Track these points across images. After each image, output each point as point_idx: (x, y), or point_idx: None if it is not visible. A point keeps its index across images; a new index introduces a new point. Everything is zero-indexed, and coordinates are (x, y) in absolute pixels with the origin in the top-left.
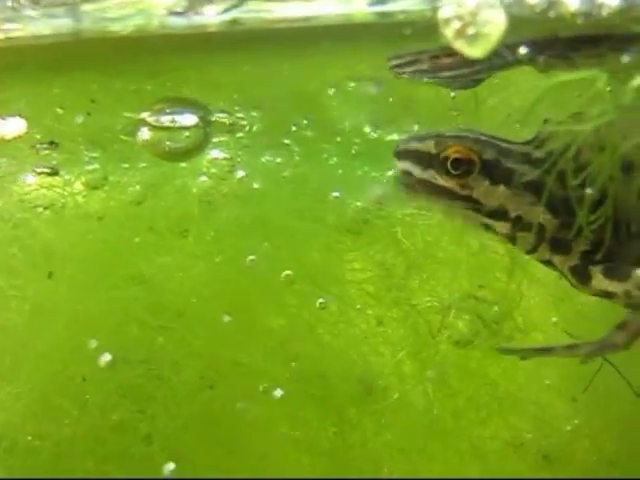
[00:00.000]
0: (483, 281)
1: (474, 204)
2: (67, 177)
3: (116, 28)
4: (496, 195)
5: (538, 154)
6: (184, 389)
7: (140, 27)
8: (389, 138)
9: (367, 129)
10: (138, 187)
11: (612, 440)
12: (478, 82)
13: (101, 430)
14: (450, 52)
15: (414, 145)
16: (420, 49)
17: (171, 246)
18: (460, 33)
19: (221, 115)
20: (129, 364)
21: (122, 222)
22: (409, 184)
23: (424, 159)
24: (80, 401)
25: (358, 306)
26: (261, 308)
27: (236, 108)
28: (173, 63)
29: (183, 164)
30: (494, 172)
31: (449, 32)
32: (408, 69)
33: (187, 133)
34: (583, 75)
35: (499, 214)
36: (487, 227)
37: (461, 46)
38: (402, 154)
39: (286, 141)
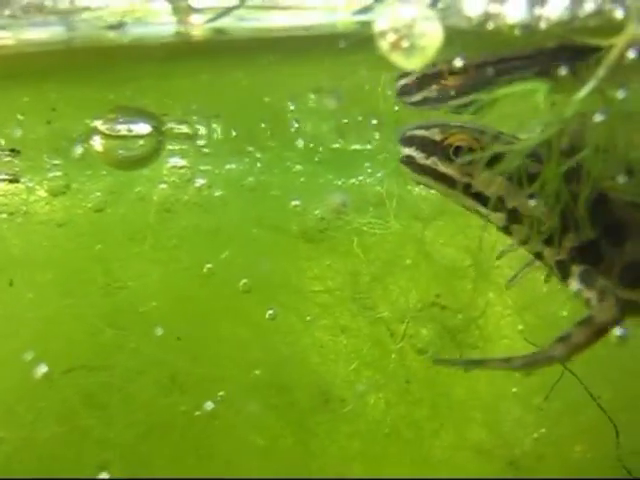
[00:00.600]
0: (446, 289)
1: (472, 192)
2: (29, 184)
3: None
4: (494, 185)
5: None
6: (141, 397)
7: (100, 37)
8: (352, 147)
9: (330, 138)
10: (99, 194)
11: (578, 447)
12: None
13: (57, 437)
14: (453, 69)
15: (420, 132)
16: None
17: (130, 254)
18: (395, 46)
19: (179, 124)
20: (88, 371)
21: (83, 229)
22: (408, 166)
23: (428, 145)
24: (37, 408)
25: (318, 315)
26: (218, 316)
27: (194, 118)
28: (134, 72)
29: (145, 171)
30: (494, 163)
31: (385, 45)
32: (416, 98)
33: (141, 142)
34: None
35: (496, 204)
36: (482, 216)
37: (397, 59)
38: (407, 140)
39: (248, 149)
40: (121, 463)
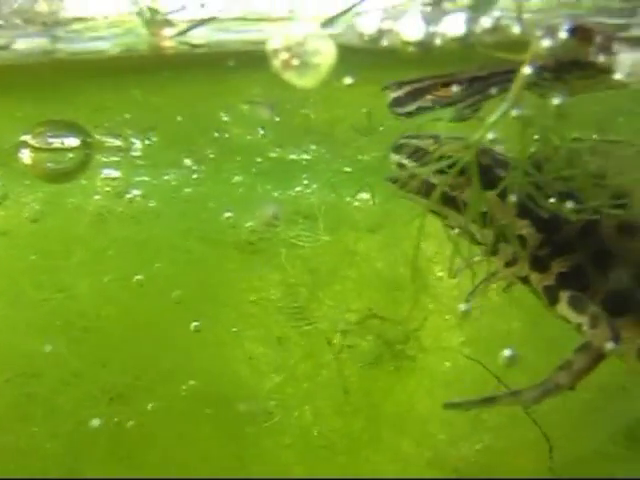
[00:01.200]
0: (385, 301)
1: (461, 207)
2: None
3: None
4: (485, 201)
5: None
6: (70, 408)
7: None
8: (289, 157)
9: (267, 148)
10: (35, 205)
11: (521, 456)
12: (476, 111)
13: None
14: (450, 80)
15: (413, 141)
16: (418, 78)
17: (62, 264)
18: (287, 64)
19: (113, 136)
20: (22, 379)
21: (18, 240)
22: (400, 180)
23: (422, 155)
24: None
25: (251, 326)
26: (148, 327)
27: (129, 131)
28: (67, 86)
29: (82, 183)
30: (485, 177)
31: (277, 63)
32: (409, 107)
33: (70, 155)
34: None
35: (484, 221)
36: (467, 233)
37: (290, 77)
38: (400, 149)
39: (185, 161)
40: (49, 473)
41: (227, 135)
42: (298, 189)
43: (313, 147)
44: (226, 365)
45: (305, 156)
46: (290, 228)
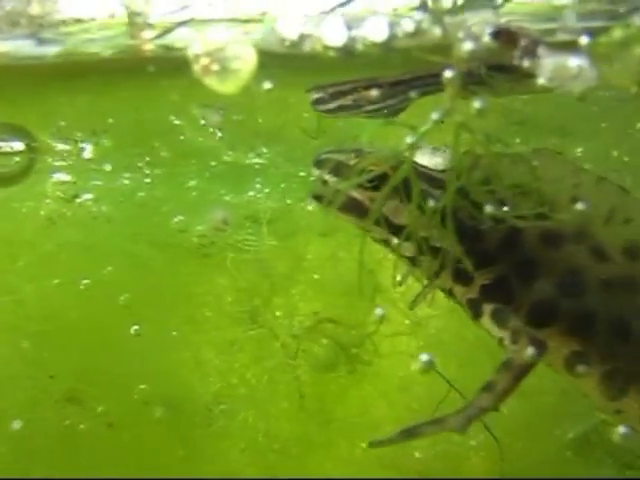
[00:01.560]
0: (340, 306)
1: (383, 220)
2: None
3: None
4: (405, 214)
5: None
6: (15, 412)
7: None
8: (243, 162)
9: (221, 153)
10: None
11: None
12: (401, 110)
13: None
14: (371, 83)
15: (334, 156)
16: (341, 81)
17: (9, 268)
18: (207, 70)
19: (64, 141)
20: None
21: None
22: (322, 196)
23: (343, 170)
24: None
25: (203, 330)
26: (96, 331)
27: (79, 134)
28: (14, 90)
29: (32, 186)
30: (406, 191)
31: (198, 68)
32: (331, 105)
33: (17, 159)
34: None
35: (405, 234)
36: (390, 246)
37: (211, 83)
38: (321, 164)
39: (139, 165)
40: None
41: (181, 138)
42: (251, 193)
43: (266, 151)
44: (174, 369)
45: (259, 160)
46: (242, 232)
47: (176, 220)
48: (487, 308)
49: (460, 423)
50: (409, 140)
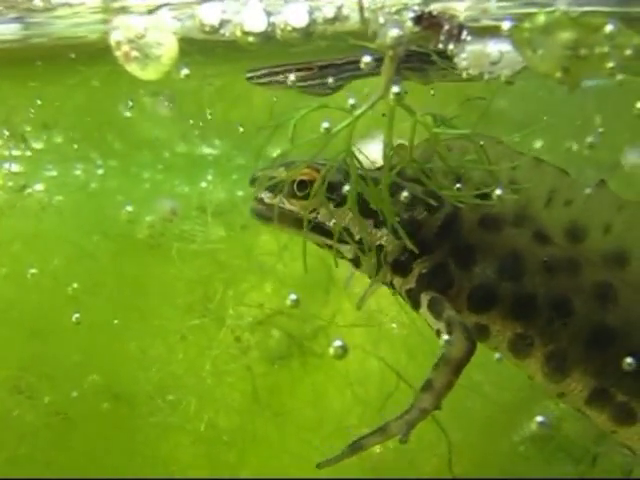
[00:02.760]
0: (294, 298)
1: (320, 227)
2: None
3: None
4: (340, 217)
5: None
6: None
7: None
8: (197, 153)
9: (175, 144)
10: None
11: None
12: (335, 90)
13: None
14: (303, 66)
15: (267, 172)
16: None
17: None
18: (129, 56)
19: (14, 130)
20: None
21: None
22: (261, 212)
23: (275, 185)
24: None
25: (156, 321)
26: (41, 321)
27: (31, 126)
28: None
29: None
30: (338, 194)
31: (120, 55)
32: (264, 79)
33: None
34: None
35: (344, 237)
36: (335, 251)
37: (133, 69)
38: (256, 181)
39: (92, 156)
40: None
41: (135, 130)
42: (203, 185)
43: (219, 143)
44: (121, 360)
45: (212, 151)
46: (192, 223)
47: (127, 210)
48: (424, 298)
49: (402, 428)
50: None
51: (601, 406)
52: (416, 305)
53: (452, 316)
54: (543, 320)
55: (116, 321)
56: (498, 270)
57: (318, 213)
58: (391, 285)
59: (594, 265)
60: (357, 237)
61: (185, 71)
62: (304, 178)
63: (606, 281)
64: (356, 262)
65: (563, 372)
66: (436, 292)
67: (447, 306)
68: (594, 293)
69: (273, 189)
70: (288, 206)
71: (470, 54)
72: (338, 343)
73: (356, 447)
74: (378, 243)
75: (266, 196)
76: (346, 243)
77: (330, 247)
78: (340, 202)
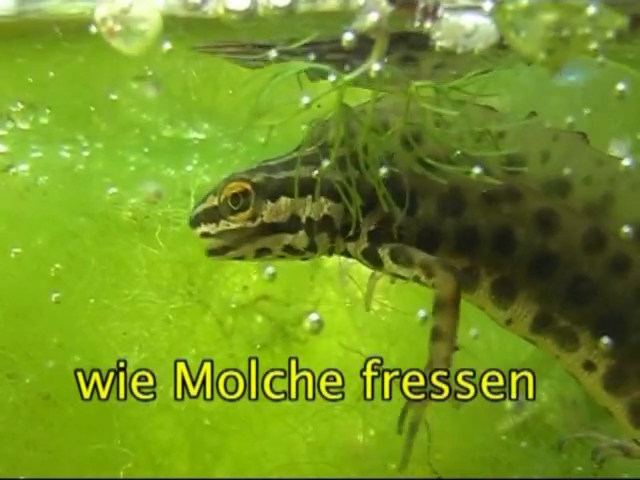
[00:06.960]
0: (276, 283)
1: (271, 229)
2: None
3: None
4: (282, 209)
5: (306, 154)
6: None
7: None
8: (183, 136)
9: (161, 127)
10: None
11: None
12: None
13: None
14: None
15: (200, 207)
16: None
17: None
18: (113, 32)
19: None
20: None
21: None
22: (215, 245)
23: (213, 214)
24: None
25: (140, 304)
26: (24, 300)
27: (19, 105)
28: None
29: None
30: (269, 190)
31: (104, 31)
32: (210, 49)
33: None
34: None
35: (293, 225)
36: (292, 250)
37: (118, 44)
38: (195, 221)
39: (78, 137)
40: None
41: (121, 112)
42: (189, 168)
43: (206, 126)
44: (104, 341)
45: (198, 135)
46: (177, 206)
47: (112, 192)
48: (384, 252)
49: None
50: None
51: (545, 331)
52: (377, 263)
53: (425, 258)
54: (486, 251)
55: (97, 302)
56: (439, 208)
57: (262, 216)
58: (346, 253)
59: (534, 193)
60: (304, 219)
61: (167, 45)
62: (235, 192)
63: (547, 207)
64: (312, 247)
65: (509, 297)
66: (391, 244)
67: (414, 250)
68: (536, 220)
69: (212, 218)
70: (233, 225)
71: (444, 25)
72: (314, 317)
73: (412, 427)
74: (322, 214)
75: (210, 227)
76: (298, 230)
77: (291, 248)
78: (274, 196)
